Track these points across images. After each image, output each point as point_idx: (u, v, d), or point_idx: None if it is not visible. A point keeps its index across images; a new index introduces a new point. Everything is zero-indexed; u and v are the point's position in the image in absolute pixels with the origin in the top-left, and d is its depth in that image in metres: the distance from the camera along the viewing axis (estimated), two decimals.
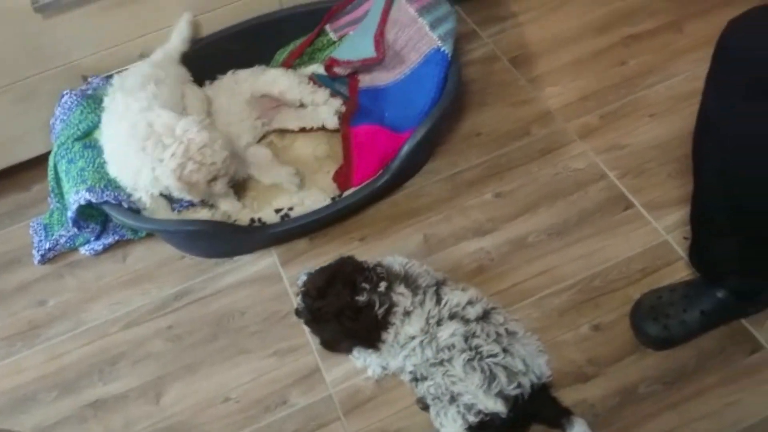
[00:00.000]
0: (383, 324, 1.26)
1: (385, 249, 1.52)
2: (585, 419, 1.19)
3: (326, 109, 1.66)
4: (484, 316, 1.28)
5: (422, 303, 1.28)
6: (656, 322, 1.28)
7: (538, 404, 1.21)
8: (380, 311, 1.25)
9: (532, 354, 1.26)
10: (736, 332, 1.31)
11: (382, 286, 1.26)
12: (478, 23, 1.97)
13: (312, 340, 1.40)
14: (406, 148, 1.48)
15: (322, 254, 1.54)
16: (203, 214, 1.48)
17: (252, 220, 1.51)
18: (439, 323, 1.26)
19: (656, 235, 1.47)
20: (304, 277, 1.35)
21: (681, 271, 1.38)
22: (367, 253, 1.48)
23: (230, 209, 1.49)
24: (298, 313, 1.34)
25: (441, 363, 1.22)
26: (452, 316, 1.27)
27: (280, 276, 1.52)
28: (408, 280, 1.30)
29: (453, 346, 1.23)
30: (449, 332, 1.24)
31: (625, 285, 1.40)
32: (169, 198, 1.52)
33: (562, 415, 1.20)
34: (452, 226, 1.55)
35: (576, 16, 1.93)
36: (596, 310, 1.38)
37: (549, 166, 1.62)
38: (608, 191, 1.55)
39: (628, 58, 1.80)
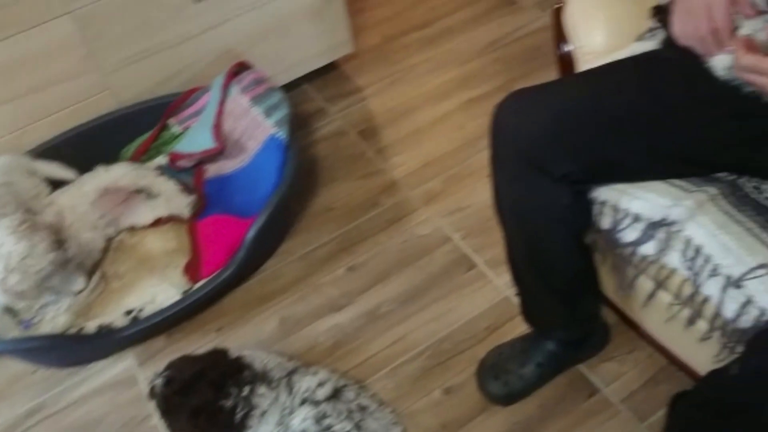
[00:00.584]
0: (240, 427, 1.26)
1: (243, 337, 1.53)
2: None
3: (180, 199, 1.66)
4: (335, 395, 1.29)
5: (277, 398, 1.28)
6: (497, 379, 1.33)
7: None
8: (240, 415, 1.25)
9: (386, 427, 1.28)
10: (574, 379, 1.38)
11: (246, 390, 1.26)
12: (328, 99, 2.05)
13: None
14: (250, 236, 1.50)
15: (181, 350, 1.52)
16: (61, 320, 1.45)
17: (100, 327, 1.49)
18: (291, 413, 1.26)
19: (497, 292, 1.54)
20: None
21: (521, 326, 1.45)
22: (224, 344, 1.49)
23: (63, 320, 1.46)
24: (152, 394, 1.31)
25: None
26: (303, 402, 1.28)
27: (136, 379, 1.49)
28: (266, 378, 1.30)
29: (305, 431, 1.24)
30: (300, 418, 1.25)
31: (473, 345, 1.46)
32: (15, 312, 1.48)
33: None
34: (308, 305, 1.58)
35: (418, 86, 2.04)
36: (447, 373, 1.42)
37: (397, 234, 1.68)
38: (453, 253, 1.62)
39: (466, 121, 1.91)
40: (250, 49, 1.82)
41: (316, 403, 1.27)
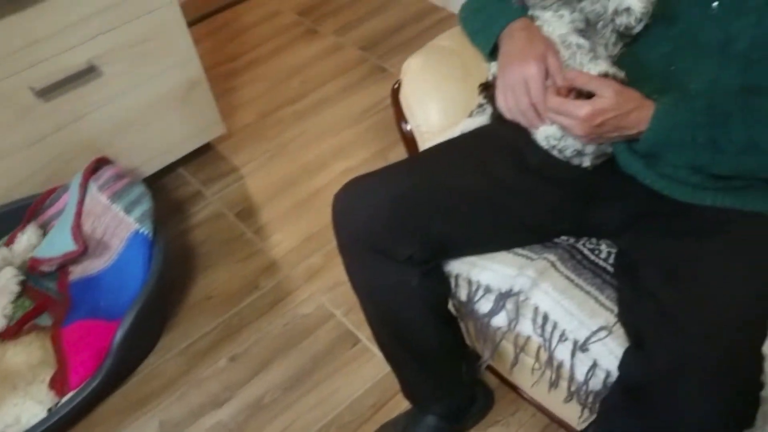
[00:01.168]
0: None
1: None
2: None
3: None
4: None
5: None
6: None
7: None
8: None
9: None
10: None
11: None
12: (204, 182, 2.01)
13: None
14: (117, 340, 1.43)
15: None
16: None
17: None
18: None
19: (384, 366, 1.50)
20: None
21: (405, 401, 1.44)
22: None
23: None
24: None
25: None
26: None
27: None
28: None
29: None
30: None
31: (360, 424, 1.43)
32: None
33: None
34: (188, 404, 1.50)
35: (294, 160, 2.04)
36: None
37: (279, 317, 1.64)
38: (336, 330, 1.60)
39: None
40: (114, 141, 1.78)
41: None
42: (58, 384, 1.46)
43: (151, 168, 1.91)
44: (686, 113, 0.92)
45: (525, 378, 1.28)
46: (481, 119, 1.15)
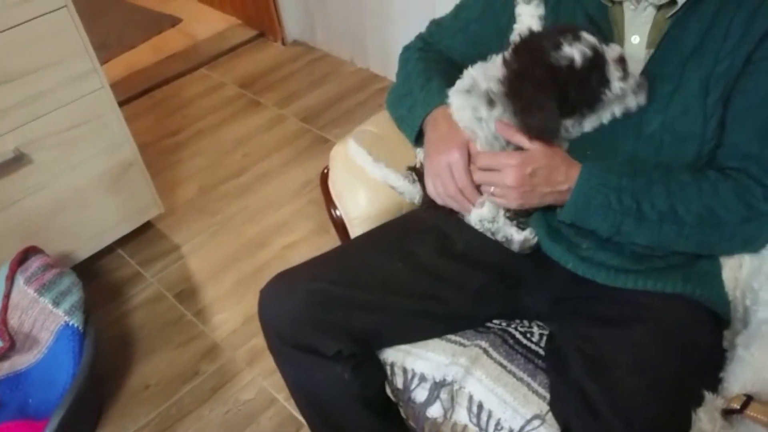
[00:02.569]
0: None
1: None
2: None
3: None
4: None
5: None
6: None
7: None
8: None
9: None
10: None
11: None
12: (142, 263, 1.97)
13: None
14: None
15: None
16: None
17: None
18: None
19: None
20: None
21: None
22: None
23: None
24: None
25: None
26: None
27: None
28: None
29: None
30: None
31: None
32: None
33: None
34: None
35: (234, 237, 2.01)
36: None
37: (220, 404, 1.59)
38: (278, 416, 1.55)
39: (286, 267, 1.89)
40: (47, 226, 1.73)
41: None
42: None
43: (86, 251, 1.85)
44: (612, 175, 0.95)
45: None
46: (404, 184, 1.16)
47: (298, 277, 1.04)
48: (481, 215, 1.05)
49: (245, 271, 1.91)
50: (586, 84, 0.94)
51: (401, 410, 1.23)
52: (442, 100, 1.08)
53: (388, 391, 1.19)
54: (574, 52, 0.92)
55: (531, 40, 0.98)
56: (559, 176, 0.95)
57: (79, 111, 1.66)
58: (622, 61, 0.94)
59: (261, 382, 1.62)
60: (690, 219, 0.92)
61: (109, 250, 1.97)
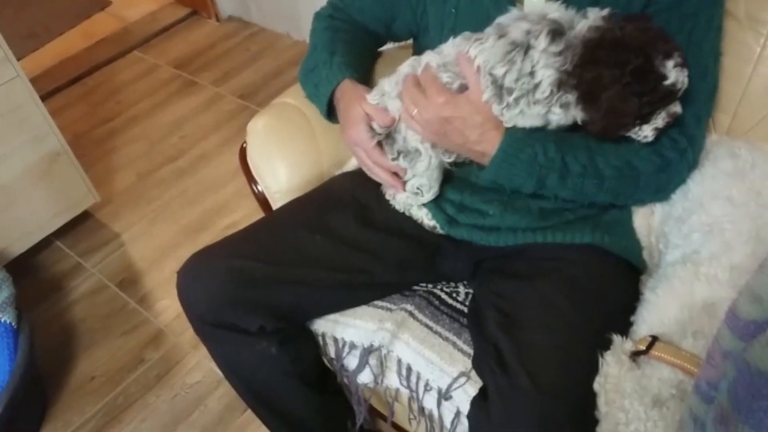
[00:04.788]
0: None
1: None
2: None
3: None
4: None
5: None
6: None
7: None
8: None
9: None
10: None
11: None
12: (82, 254, 1.93)
13: None
14: None
15: None
16: None
17: None
18: None
19: None
20: None
21: None
22: None
23: None
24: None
25: None
26: None
27: None
28: None
29: None
30: None
31: None
32: None
33: None
34: None
35: (175, 221, 1.98)
36: None
37: (167, 390, 1.58)
38: (227, 397, 1.54)
39: None
40: None
41: None
42: None
43: (20, 247, 1.81)
44: (537, 135, 0.92)
45: (409, 425, 1.27)
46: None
47: (215, 255, 1.02)
48: (404, 200, 1.05)
49: (187, 256, 1.87)
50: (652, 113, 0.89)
51: (338, 379, 1.24)
52: (344, 76, 1.06)
53: (325, 361, 1.20)
54: (679, 76, 0.87)
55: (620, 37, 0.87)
56: (473, 134, 0.92)
57: None
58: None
59: (207, 365, 1.61)
60: (609, 172, 0.92)
61: (47, 242, 1.92)
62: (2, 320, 1.44)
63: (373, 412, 1.38)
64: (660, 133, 0.91)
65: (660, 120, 0.90)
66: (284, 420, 1.14)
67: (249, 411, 1.48)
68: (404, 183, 1.01)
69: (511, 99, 0.89)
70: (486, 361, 0.86)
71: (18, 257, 1.82)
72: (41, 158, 1.74)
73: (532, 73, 0.89)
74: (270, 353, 1.02)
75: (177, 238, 1.94)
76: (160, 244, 1.93)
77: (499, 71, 0.88)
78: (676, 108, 0.90)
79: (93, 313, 1.77)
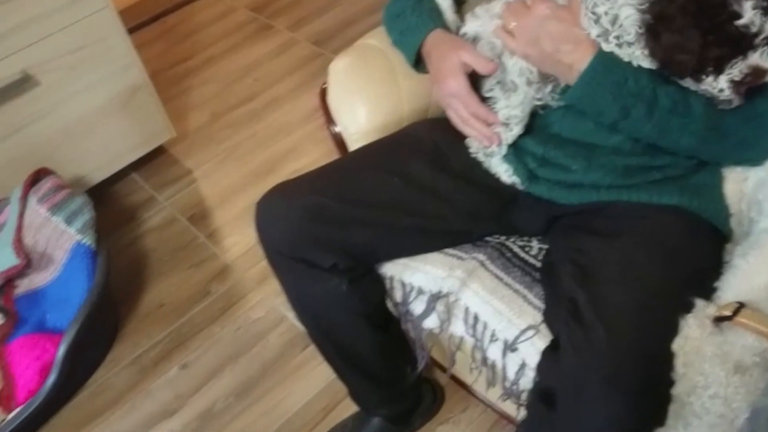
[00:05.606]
0: None
1: None
2: None
3: None
4: None
5: None
6: None
7: None
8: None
9: None
10: None
11: None
12: (155, 187, 1.99)
13: None
14: (60, 354, 1.41)
15: None
16: None
17: None
18: None
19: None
20: None
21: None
22: None
23: None
24: None
25: None
26: None
27: None
28: None
29: None
30: None
31: (310, 429, 1.42)
32: None
33: None
34: (139, 414, 1.49)
35: (245, 163, 2.02)
36: None
37: (230, 322, 1.63)
38: (288, 333, 1.59)
39: None
40: (58, 151, 1.75)
41: None
42: (4, 400, 1.44)
43: (99, 176, 1.88)
44: (629, 64, 0.87)
45: (468, 376, 1.27)
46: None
47: (293, 190, 1.03)
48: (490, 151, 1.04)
49: (255, 196, 1.83)
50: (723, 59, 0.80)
51: (401, 324, 1.26)
52: (435, 25, 1.04)
53: (389, 305, 1.21)
54: (757, 19, 0.77)
55: None
56: (566, 45, 0.87)
57: (83, 32, 1.65)
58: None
59: (270, 302, 1.65)
60: (699, 110, 0.86)
61: (122, 174, 1.99)
62: (83, 242, 1.51)
63: (431, 362, 1.40)
64: (741, 89, 0.83)
65: (737, 71, 0.80)
66: (346, 357, 1.16)
67: (308, 349, 1.54)
68: (498, 135, 1.00)
69: (611, 37, 0.86)
70: (560, 313, 0.85)
71: (95, 186, 1.89)
72: (124, 90, 1.79)
73: (617, 14, 0.86)
74: (340, 290, 1.04)
75: (246, 179, 1.97)
76: (230, 183, 1.97)
77: (600, 9, 0.85)
78: (761, 62, 0.79)
79: (163, 244, 1.84)
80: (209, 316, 1.65)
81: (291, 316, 1.62)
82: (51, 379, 1.41)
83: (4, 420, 1.42)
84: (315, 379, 1.50)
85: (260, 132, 2.10)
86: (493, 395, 1.26)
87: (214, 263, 1.77)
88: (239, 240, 1.81)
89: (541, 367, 0.87)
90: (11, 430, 1.39)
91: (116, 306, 1.67)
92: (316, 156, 1.99)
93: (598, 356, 0.76)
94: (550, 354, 0.86)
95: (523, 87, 0.95)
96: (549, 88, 0.97)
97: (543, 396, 0.84)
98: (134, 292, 1.72)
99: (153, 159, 2.05)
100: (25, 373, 1.45)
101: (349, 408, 1.42)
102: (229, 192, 1.95)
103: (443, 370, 1.42)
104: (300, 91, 2.22)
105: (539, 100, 0.98)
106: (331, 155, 1.98)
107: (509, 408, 1.24)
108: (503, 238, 1.10)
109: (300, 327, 1.57)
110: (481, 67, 0.97)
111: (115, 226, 1.88)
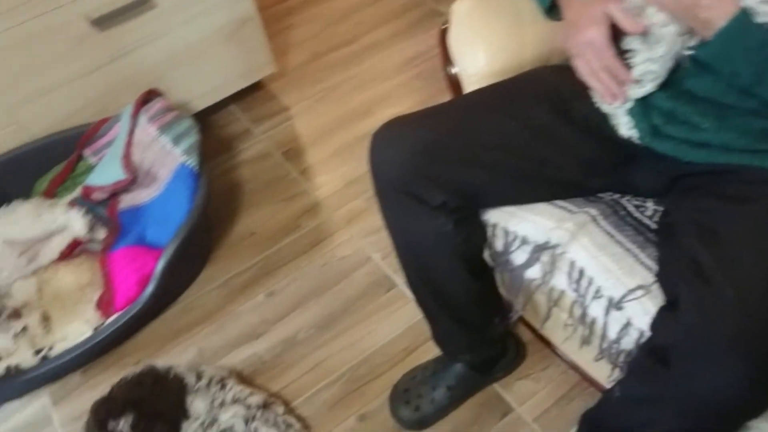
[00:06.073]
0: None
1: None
2: None
3: (79, 227, 1.61)
4: (265, 406, 1.33)
5: (209, 388, 1.32)
6: (408, 404, 1.32)
7: None
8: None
9: None
10: (488, 398, 1.37)
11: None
12: (253, 120, 2.03)
13: None
14: (159, 268, 1.47)
15: (97, 385, 1.49)
16: None
17: (8, 369, 1.44)
18: (221, 405, 1.28)
19: (417, 311, 1.49)
20: None
21: (437, 347, 1.44)
22: None
23: None
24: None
25: None
26: (235, 401, 1.31)
27: (50, 419, 1.46)
28: (200, 377, 1.35)
29: (232, 428, 1.26)
30: (230, 414, 1.28)
31: (390, 367, 1.44)
32: None
33: None
34: (226, 334, 1.55)
35: (341, 104, 2.03)
36: (362, 399, 1.40)
37: (318, 257, 1.66)
38: (373, 274, 1.61)
39: None
40: (166, 75, 1.80)
41: (248, 407, 1.31)
42: (104, 305, 1.52)
43: (201, 103, 1.93)
44: None
45: (557, 333, 1.26)
46: None
47: (410, 124, 1.03)
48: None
49: (349, 138, 1.94)
50: None
51: (497, 276, 1.25)
52: None
53: (486, 255, 1.20)
54: None
55: None
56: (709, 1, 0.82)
57: None
58: None
59: (358, 242, 1.68)
60: None
61: (221, 105, 2.04)
62: (187, 163, 1.56)
63: (519, 319, 1.40)
64: None
65: None
66: (440, 298, 1.16)
67: (392, 292, 1.56)
68: (624, 93, 0.96)
69: None
70: (680, 273, 0.83)
71: (196, 114, 1.94)
72: (233, 21, 1.81)
73: None
74: (445, 230, 1.04)
75: (340, 120, 1.98)
76: (325, 123, 1.99)
77: None
78: None
79: (257, 176, 1.88)
80: (297, 250, 1.69)
81: (377, 257, 1.64)
82: (149, 289, 1.48)
83: (102, 324, 1.50)
84: (397, 321, 1.52)
85: (358, 75, 2.10)
86: (581, 356, 1.25)
87: (305, 199, 1.80)
88: (330, 179, 1.83)
89: (656, 326, 0.85)
90: (108, 335, 1.47)
91: (210, 230, 1.72)
92: (410, 104, 1.98)
93: (724, 317, 0.73)
94: (666, 313, 0.84)
95: (670, 38, 0.91)
96: (693, 41, 0.92)
97: (655, 355, 0.82)
98: (227, 219, 1.77)
99: (252, 93, 2.08)
100: (125, 282, 1.52)
101: (429, 352, 1.44)
102: (324, 132, 1.96)
103: (528, 327, 1.42)
104: (399, 38, 2.20)
105: (680, 55, 0.94)
106: (427, 104, 1.98)
107: (595, 370, 1.24)
108: (617, 196, 1.08)
109: (385, 269, 1.61)
110: (628, 25, 0.92)
111: (212, 154, 1.94)
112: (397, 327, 1.51)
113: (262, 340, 1.53)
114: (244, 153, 1.94)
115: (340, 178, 1.83)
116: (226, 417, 1.28)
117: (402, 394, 1.34)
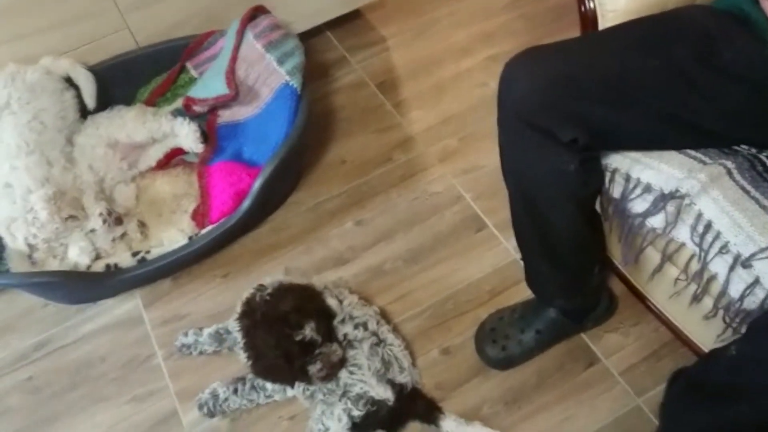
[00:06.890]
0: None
1: (247, 285, 1.50)
2: None
3: (186, 134, 1.63)
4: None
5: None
6: (495, 344, 1.32)
7: (415, 399, 1.29)
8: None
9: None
10: (575, 347, 1.36)
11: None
12: (350, 49, 2.00)
13: (171, 384, 1.40)
14: (256, 186, 1.49)
15: (186, 294, 1.54)
16: (51, 263, 1.46)
17: (108, 267, 1.50)
18: (342, 322, 1.30)
19: (506, 254, 1.51)
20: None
21: (525, 291, 1.41)
22: (228, 291, 1.51)
23: (78, 260, 1.47)
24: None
25: None
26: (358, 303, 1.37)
27: (142, 319, 1.52)
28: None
29: (366, 324, 1.30)
30: (361, 312, 1.33)
31: (475, 306, 1.44)
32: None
33: (434, 410, 1.27)
34: (313, 257, 1.57)
35: (439, 40, 1.98)
36: (446, 334, 1.41)
37: (408, 191, 1.65)
38: (463, 213, 1.59)
39: (487, 79, 1.85)
40: None
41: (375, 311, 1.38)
42: (199, 216, 1.55)
43: (301, 26, 1.90)
44: None
45: (660, 289, 1.23)
46: None
47: (546, 56, 0.99)
48: None
49: (446, 75, 1.89)
50: None
51: (605, 225, 1.22)
52: None
53: (599, 202, 1.17)
54: None
55: None
56: None
57: None
58: None
59: (450, 180, 1.66)
60: None
61: (319, 31, 2.01)
62: (290, 83, 1.55)
63: (612, 271, 1.37)
64: None
65: None
66: (544, 238, 1.14)
67: (482, 233, 1.55)
68: None
69: None
70: None
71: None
72: None
73: None
74: (568, 168, 1.00)
75: (438, 56, 1.94)
76: (422, 57, 1.95)
77: None
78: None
79: (352, 104, 1.86)
80: (388, 181, 1.68)
81: (469, 197, 1.62)
82: (245, 205, 1.50)
83: (197, 234, 1.54)
84: (485, 262, 1.51)
85: (459, 11, 2.04)
86: (683, 315, 1.22)
87: (398, 132, 1.78)
88: (425, 115, 1.80)
89: None
90: (203, 245, 1.50)
91: (304, 154, 1.73)
92: (511, 46, 1.91)
93: None
94: None
95: None
96: None
97: None
98: (320, 145, 1.77)
99: (350, 21, 2.04)
100: (221, 195, 1.54)
101: (514, 296, 1.43)
102: (420, 66, 1.92)
103: (623, 280, 1.38)
104: None
105: None
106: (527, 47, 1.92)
107: (697, 330, 1.20)
108: (755, 150, 1.02)
109: (476, 209, 1.59)
110: None
111: (309, 79, 1.91)
112: (484, 268, 1.50)
113: (349, 266, 1.54)
114: (339, 80, 1.92)
115: (434, 115, 1.80)
116: (359, 314, 1.31)
117: (489, 333, 1.34)
